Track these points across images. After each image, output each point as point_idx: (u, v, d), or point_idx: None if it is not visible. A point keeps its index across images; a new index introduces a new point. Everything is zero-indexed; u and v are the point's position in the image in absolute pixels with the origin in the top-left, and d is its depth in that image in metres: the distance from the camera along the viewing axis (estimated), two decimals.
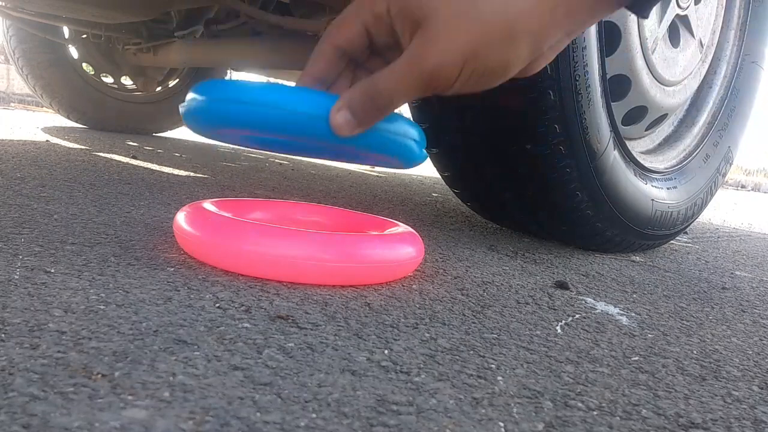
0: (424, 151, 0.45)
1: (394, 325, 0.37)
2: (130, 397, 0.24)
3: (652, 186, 0.80)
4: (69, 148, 1.22)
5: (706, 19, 0.86)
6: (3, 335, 0.28)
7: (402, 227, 0.53)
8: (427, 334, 0.37)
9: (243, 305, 0.37)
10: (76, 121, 1.89)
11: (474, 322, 0.41)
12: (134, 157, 1.21)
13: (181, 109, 0.41)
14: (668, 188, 0.85)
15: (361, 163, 0.51)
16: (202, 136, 0.45)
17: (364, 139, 0.38)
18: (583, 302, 0.51)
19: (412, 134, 0.42)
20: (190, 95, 0.40)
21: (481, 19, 0.33)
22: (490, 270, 0.59)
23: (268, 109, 0.37)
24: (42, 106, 2.91)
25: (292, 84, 0.41)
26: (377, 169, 1.98)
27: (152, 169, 1.05)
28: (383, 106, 0.36)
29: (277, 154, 2.11)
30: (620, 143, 0.73)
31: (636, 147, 0.86)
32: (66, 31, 1.75)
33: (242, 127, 0.39)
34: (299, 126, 0.37)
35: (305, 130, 0.38)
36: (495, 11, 0.33)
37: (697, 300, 0.60)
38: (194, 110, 0.39)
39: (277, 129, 0.38)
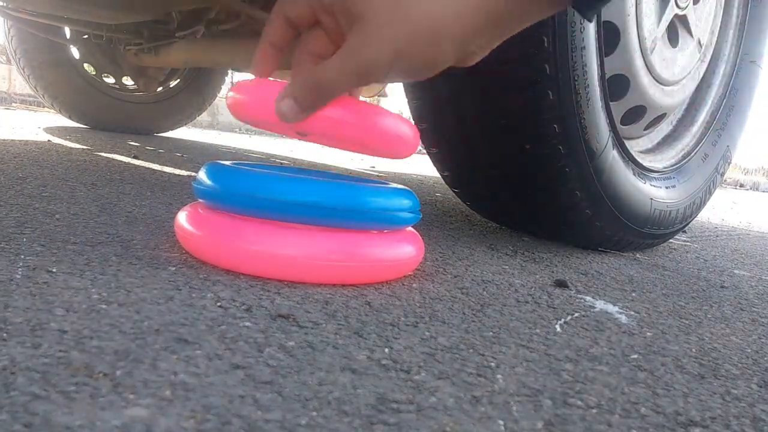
0: (419, 212, 0.50)
1: (395, 324, 0.38)
2: (131, 396, 0.24)
3: (650, 185, 0.81)
4: (70, 148, 1.22)
5: (704, 18, 0.86)
6: (5, 334, 0.28)
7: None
8: (427, 333, 0.37)
9: (244, 304, 0.37)
10: (78, 122, 1.90)
11: (474, 321, 0.41)
12: (136, 157, 1.21)
13: (194, 184, 0.47)
14: (667, 187, 0.85)
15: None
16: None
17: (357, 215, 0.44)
18: (583, 301, 0.52)
19: (404, 205, 0.48)
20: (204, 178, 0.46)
21: (409, 22, 0.37)
22: (489, 269, 0.59)
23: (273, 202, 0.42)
24: (44, 107, 2.91)
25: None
26: (377, 168, 1.98)
27: (154, 169, 1.05)
28: (324, 95, 0.40)
29: (279, 155, 2.11)
30: (619, 143, 0.73)
31: (635, 146, 0.86)
32: (67, 31, 1.75)
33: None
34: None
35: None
36: (420, 18, 0.37)
37: (696, 298, 0.60)
38: (203, 194, 0.46)
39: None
